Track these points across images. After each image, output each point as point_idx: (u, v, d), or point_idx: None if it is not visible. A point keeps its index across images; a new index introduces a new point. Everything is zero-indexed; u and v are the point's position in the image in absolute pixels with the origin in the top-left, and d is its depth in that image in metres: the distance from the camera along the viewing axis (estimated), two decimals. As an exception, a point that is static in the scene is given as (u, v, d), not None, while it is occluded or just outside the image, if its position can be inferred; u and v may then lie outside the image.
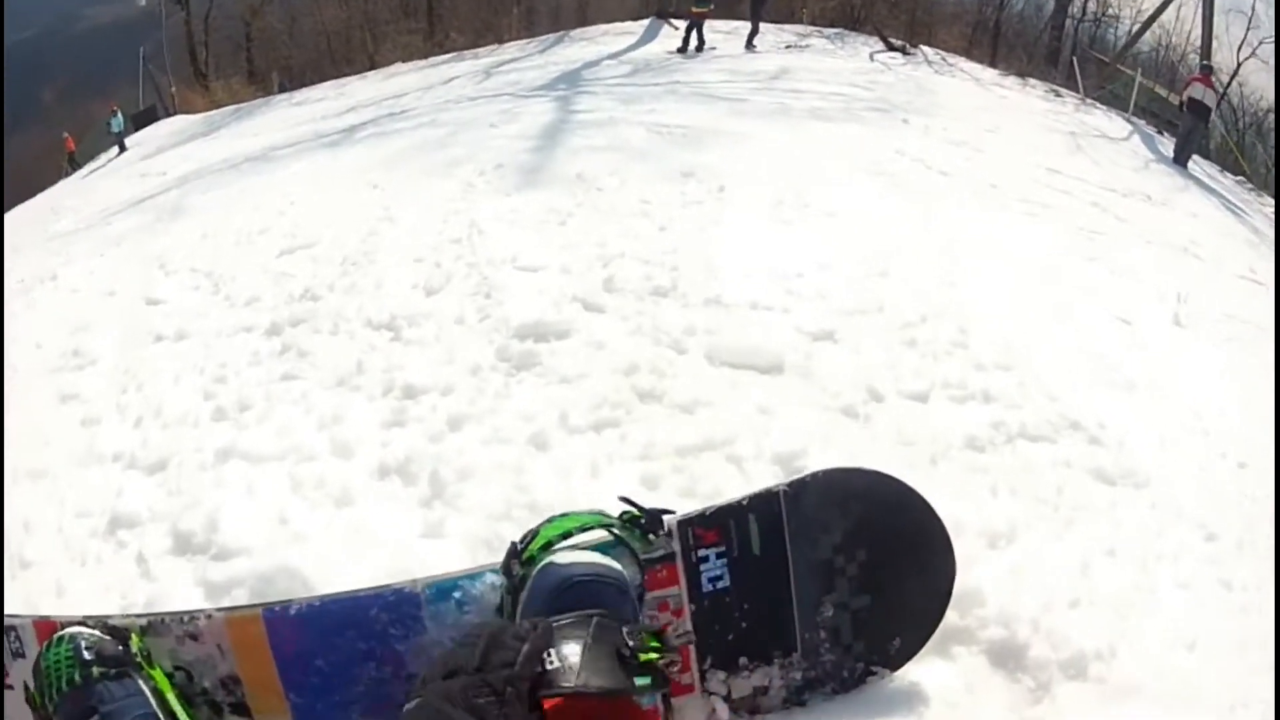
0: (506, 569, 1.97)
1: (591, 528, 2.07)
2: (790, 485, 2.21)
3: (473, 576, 2.04)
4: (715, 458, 3.31)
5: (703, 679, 2.22)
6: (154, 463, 3.78)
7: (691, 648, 2.16)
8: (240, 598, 2.72)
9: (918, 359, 4.19)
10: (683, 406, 3.67)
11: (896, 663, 2.30)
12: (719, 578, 2.17)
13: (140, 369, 4.99)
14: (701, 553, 2.16)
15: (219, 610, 2.03)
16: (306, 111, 20.12)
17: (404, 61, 27.08)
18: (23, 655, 2.04)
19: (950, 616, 2.36)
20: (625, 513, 2.15)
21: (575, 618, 1.62)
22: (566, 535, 2.02)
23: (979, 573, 2.60)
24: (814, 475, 2.24)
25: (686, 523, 2.16)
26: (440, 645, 1.94)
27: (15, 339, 6.17)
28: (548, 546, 1.97)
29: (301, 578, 2.73)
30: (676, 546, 2.15)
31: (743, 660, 2.23)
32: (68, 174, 26.17)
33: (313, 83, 28.55)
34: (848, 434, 3.54)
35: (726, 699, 2.24)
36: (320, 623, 1.98)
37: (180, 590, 2.88)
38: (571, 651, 1.51)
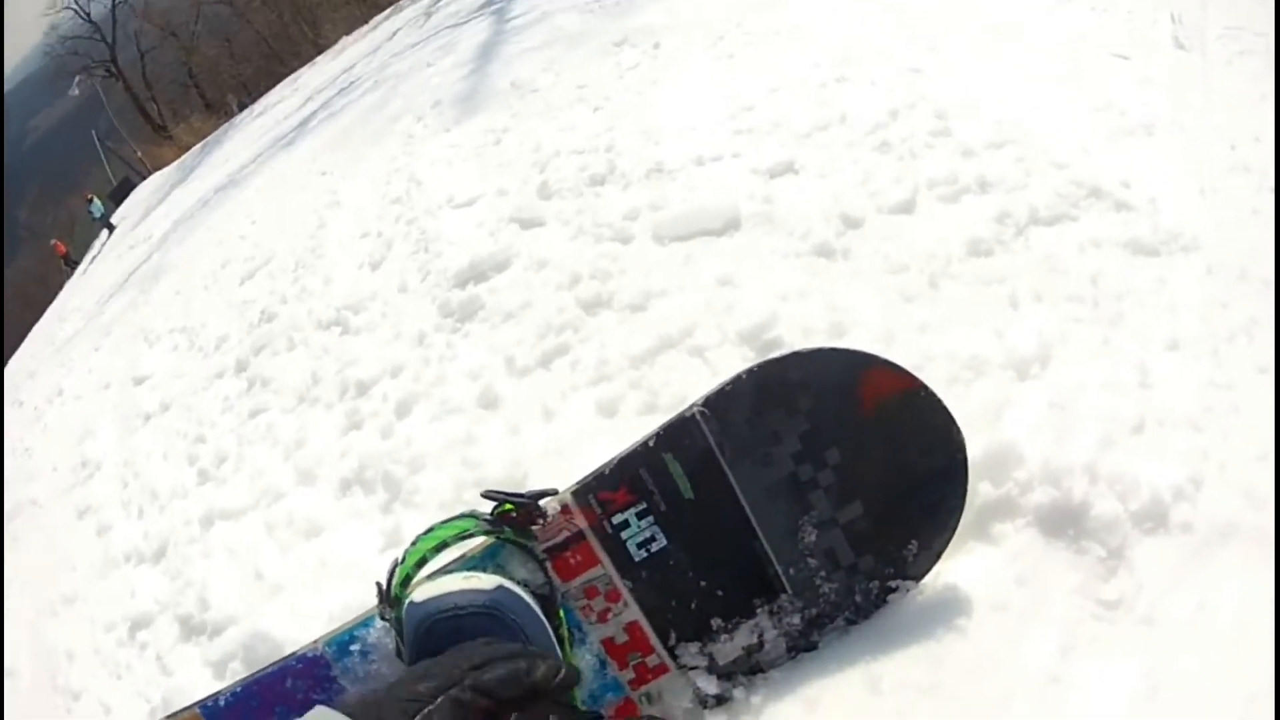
0: (381, 614, 1.70)
1: (451, 541, 1.73)
2: (707, 403, 1.75)
3: (365, 623, 1.77)
4: (675, 356, 2.93)
5: (673, 656, 1.83)
6: (156, 550, 3.79)
7: (645, 624, 1.81)
8: (237, 671, 2.70)
9: (894, 163, 3.61)
10: (633, 305, 3.29)
11: (920, 569, 1.84)
12: (650, 540, 1.76)
13: (135, 456, 5.02)
14: (617, 518, 1.75)
15: (167, 718, 1.85)
16: (270, 119, 20.15)
17: (348, 34, 26.82)
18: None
19: (983, 489, 1.90)
20: (496, 507, 1.76)
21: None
22: (424, 561, 1.70)
23: (1011, 420, 2.12)
24: (737, 378, 1.75)
25: (584, 490, 1.75)
26: None
27: (37, 473, 6.42)
28: (408, 580, 1.68)
29: (273, 641, 2.66)
30: (582, 522, 1.75)
31: (716, 622, 1.82)
32: (69, 275, 26.75)
33: (268, 89, 28.62)
34: (825, 279, 3.05)
35: (710, 669, 1.85)
36: (248, 705, 1.81)
37: (192, 679, 2.86)
38: None
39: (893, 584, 1.83)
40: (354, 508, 3.10)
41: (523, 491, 1.75)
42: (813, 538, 1.78)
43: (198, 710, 1.81)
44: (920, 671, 1.74)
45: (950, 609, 1.81)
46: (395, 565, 1.71)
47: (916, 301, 2.77)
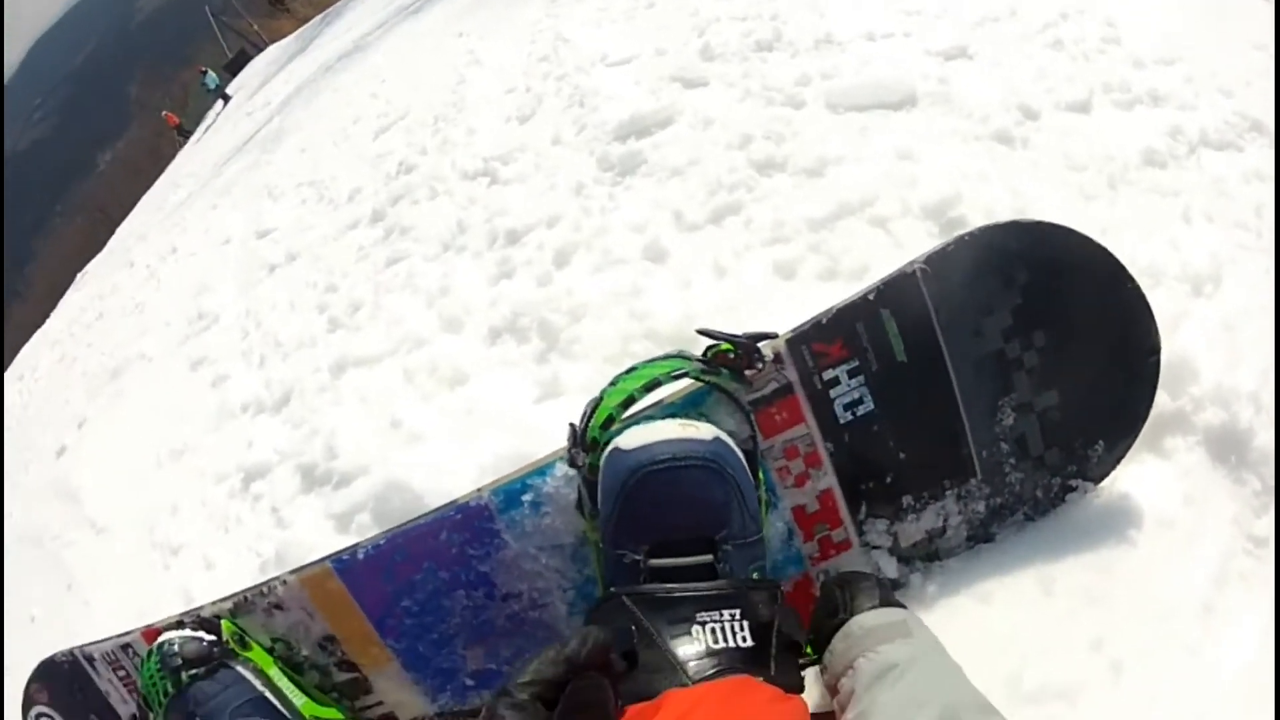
0: (571, 460, 1.56)
1: (664, 379, 1.58)
2: (928, 260, 1.63)
3: (541, 471, 1.67)
4: (855, 224, 2.81)
5: (859, 530, 1.74)
6: (279, 399, 3.72)
7: (839, 493, 1.71)
8: (364, 524, 2.63)
9: (1068, 62, 3.50)
10: (809, 170, 3.16)
11: (1101, 471, 1.77)
12: (858, 402, 1.65)
13: (258, 307, 5.02)
14: (828, 374, 1.64)
15: (291, 573, 1.81)
16: (394, -11, 19.89)
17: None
18: (144, 666, 2.00)
19: (1160, 400, 1.80)
20: (710, 347, 1.62)
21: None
22: (630, 401, 1.55)
23: (1188, 333, 2.04)
24: (959, 240, 1.64)
25: (799, 339, 1.63)
26: (527, 556, 1.70)
27: (148, 328, 6.56)
28: (610, 422, 1.53)
29: (413, 491, 2.54)
30: (793, 374, 1.63)
31: (907, 500, 1.73)
32: (181, 145, 27.09)
33: None
34: (1006, 164, 2.94)
35: (892, 550, 1.77)
36: (392, 561, 1.75)
37: (308, 531, 2.79)
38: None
39: (1073, 483, 1.76)
40: (505, 356, 3.01)
41: (739, 333, 1.61)
42: (1009, 421, 1.70)
43: (330, 565, 1.77)
44: (1090, 578, 1.69)
45: (1122, 518, 1.76)
46: (592, 405, 1.58)
47: (1096, 202, 2.67)
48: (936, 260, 1.63)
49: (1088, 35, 3.62)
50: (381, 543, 1.75)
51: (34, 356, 10.90)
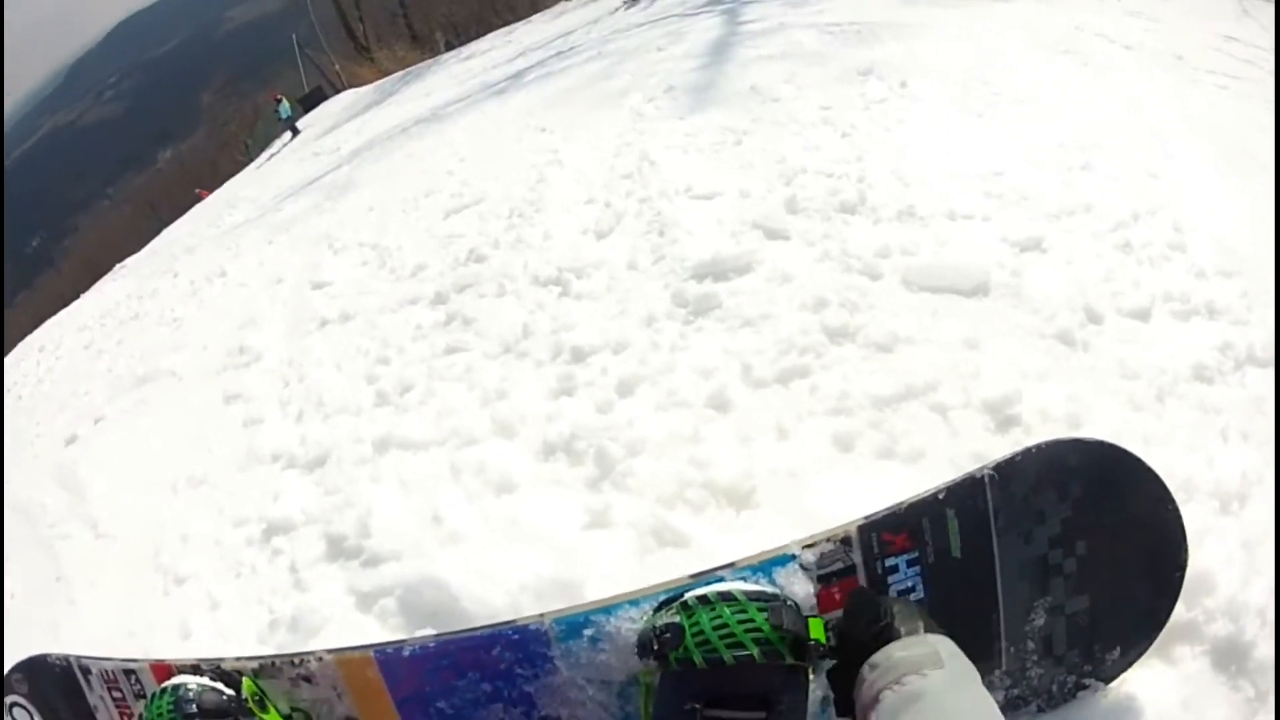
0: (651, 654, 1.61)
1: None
2: (997, 468, 1.75)
3: (607, 609, 1.75)
4: (917, 408, 2.89)
5: None
6: (313, 459, 3.75)
7: None
8: (389, 607, 2.70)
9: (1135, 266, 3.56)
10: (879, 345, 3.24)
11: (1113, 673, 1.89)
12: (910, 590, 1.76)
13: (304, 359, 5.02)
14: (890, 561, 1.75)
15: (329, 652, 1.89)
16: (477, 64, 20.24)
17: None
18: (144, 696, 2.07)
19: (1177, 609, 1.91)
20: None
21: None
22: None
23: (1210, 549, 2.14)
24: (1026, 452, 1.76)
25: (871, 526, 1.74)
26: (574, 685, 1.77)
27: (183, 345, 6.50)
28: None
29: (449, 591, 2.60)
30: (858, 556, 1.74)
31: (935, 684, 1.84)
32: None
33: (479, 36, 29.13)
34: (1065, 367, 3.03)
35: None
36: (438, 664, 1.82)
37: (328, 601, 2.85)
38: None
39: (1087, 681, 1.88)
40: (556, 475, 3.05)
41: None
42: (1040, 621, 1.81)
43: (373, 654, 1.84)
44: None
45: (1125, 717, 1.88)
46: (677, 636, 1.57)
47: (1143, 413, 2.76)
48: (1005, 468, 1.75)
49: (1155, 239, 3.70)
50: (430, 645, 1.82)
51: (59, 334, 10.95)
